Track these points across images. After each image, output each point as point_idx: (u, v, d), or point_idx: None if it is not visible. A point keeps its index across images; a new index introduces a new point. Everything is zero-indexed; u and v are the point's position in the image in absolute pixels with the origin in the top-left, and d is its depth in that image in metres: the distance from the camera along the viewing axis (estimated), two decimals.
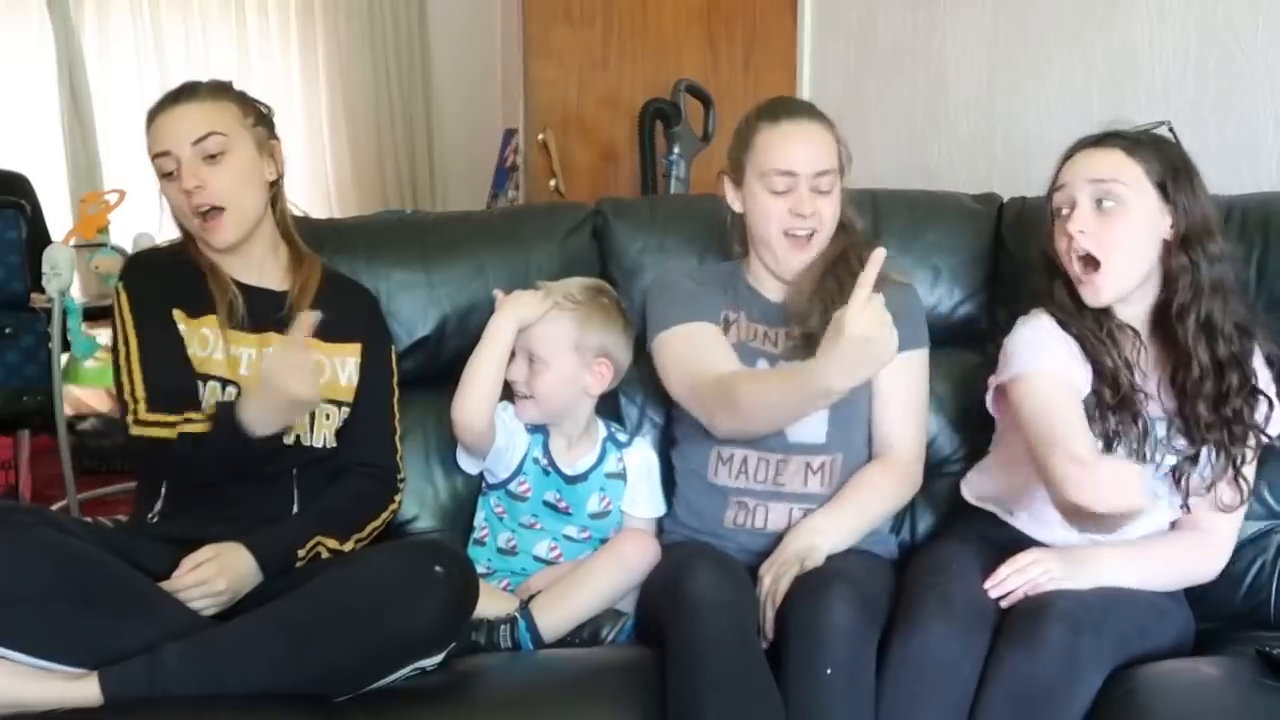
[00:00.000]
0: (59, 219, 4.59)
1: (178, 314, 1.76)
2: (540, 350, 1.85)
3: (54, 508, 3.30)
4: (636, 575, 1.78)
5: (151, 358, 1.73)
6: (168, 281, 1.80)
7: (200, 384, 1.73)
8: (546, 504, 1.89)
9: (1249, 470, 1.69)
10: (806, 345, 1.75)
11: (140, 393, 1.70)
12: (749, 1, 3.46)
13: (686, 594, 1.58)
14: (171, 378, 1.72)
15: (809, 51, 3.37)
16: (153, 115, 1.76)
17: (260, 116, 1.81)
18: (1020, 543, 1.72)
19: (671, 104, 3.23)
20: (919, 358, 1.89)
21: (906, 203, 2.17)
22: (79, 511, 3.35)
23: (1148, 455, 1.66)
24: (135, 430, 1.69)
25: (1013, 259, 2.05)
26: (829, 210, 1.84)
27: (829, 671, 1.51)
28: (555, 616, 1.72)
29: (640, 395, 2.05)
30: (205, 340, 1.77)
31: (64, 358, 3.15)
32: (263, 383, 1.63)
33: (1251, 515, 1.80)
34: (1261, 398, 1.66)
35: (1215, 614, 1.77)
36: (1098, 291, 1.66)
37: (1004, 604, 1.60)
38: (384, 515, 1.84)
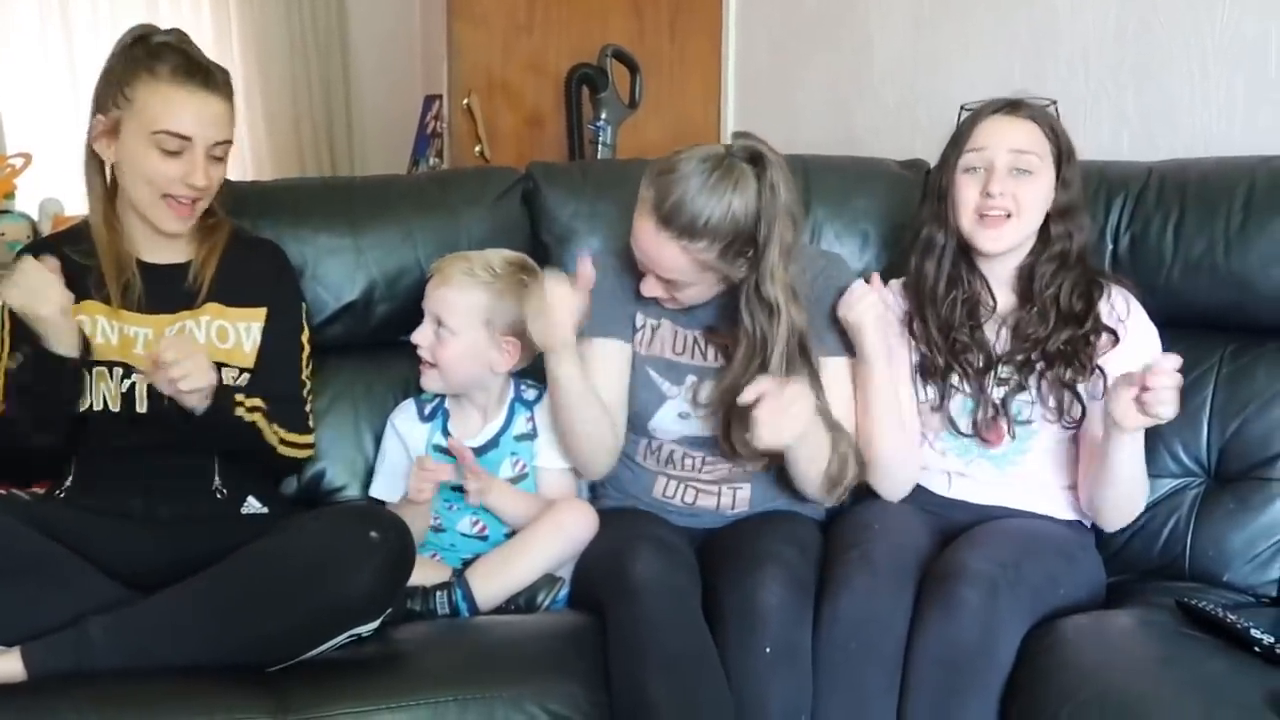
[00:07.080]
0: None
1: None
2: (448, 318, 1.79)
3: None
4: (576, 545, 1.75)
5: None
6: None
7: (87, 374, 1.67)
8: (455, 488, 1.82)
9: (1082, 388, 1.77)
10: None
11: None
12: None
13: (629, 577, 1.57)
14: None
15: (734, 18, 3.37)
16: (165, 80, 1.66)
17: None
18: (938, 502, 1.80)
19: (598, 69, 3.18)
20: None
21: (835, 169, 2.19)
22: None
23: (983, 386, 1.78)
24: None
25: None
26: None
27: (768, 650, 1.53)
28: (492, 584, 1.70)
29: None
30: (83, 326, 1.70)
31: None
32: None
33: (1166, 473, 1.86)
34: (1105, 334, 1.77)
35: (1132, 568, 1.82)
36: (1000, 238, 1.77)
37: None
38: (298, 443, 1.79)
